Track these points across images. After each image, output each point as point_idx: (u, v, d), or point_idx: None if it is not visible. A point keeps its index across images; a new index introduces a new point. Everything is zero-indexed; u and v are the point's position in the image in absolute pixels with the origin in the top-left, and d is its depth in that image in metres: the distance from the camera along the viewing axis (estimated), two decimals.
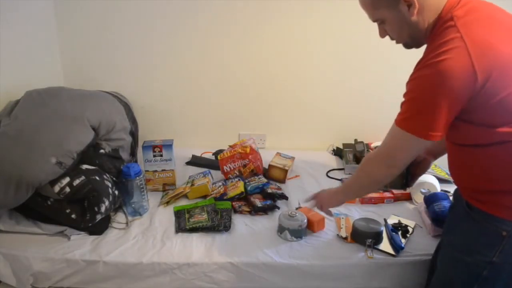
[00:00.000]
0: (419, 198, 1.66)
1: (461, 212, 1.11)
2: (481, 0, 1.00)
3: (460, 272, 1.09)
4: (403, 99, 1.01)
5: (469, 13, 0.95)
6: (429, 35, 1.00)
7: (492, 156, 0.99)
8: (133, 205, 1.54)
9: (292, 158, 1.95)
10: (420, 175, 1.38)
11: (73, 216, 1.39)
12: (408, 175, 1.36)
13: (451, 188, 1.57)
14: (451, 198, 1.54)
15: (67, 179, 1.38)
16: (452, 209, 1.24)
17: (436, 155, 1.37)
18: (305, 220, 1.45)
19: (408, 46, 1.09)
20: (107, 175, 1.51)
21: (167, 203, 1.64)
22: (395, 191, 1.72)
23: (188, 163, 2.01)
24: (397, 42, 1.09)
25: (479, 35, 0.91)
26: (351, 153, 2.02)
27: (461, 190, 1.15)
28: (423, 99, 0.95)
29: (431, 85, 0.92)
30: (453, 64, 0.89)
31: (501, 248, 1.00)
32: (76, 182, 1.38)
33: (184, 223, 1.47)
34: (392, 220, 1.54)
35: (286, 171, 1.84)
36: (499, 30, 0.96)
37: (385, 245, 1.41)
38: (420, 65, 0.96)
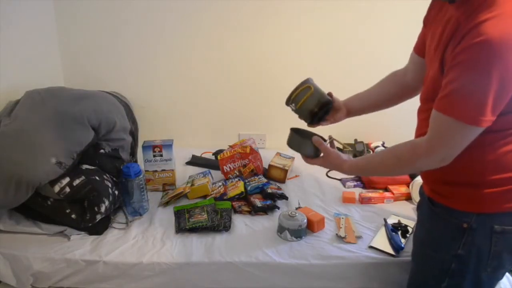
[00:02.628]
0: (419, 198, 1.66)
1: (425, 209, 1.13)
2: None
3: (430, 267, 1.11)
4: (448, 86, 0.89)
5: None
6: None
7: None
8: (133, 205, 1.54)
9: (292, 158, 1.94)
10: (328, 123, 1.36)
11: (73, 216, 1.39)
12: (321, 115, 1.28)
13: None
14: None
15: (67, 179, 1.38)
16: (420, 207, 1.25)
17: (351, 113, 1.36)
18: (305, 220, 1.45)
19: None
20: (107, 175, 1.51)
21: (167, 203, 1.64)
22: (395, 192, 1.72)
23: (188, 163, 2.02)
24: None
25: None
26: (351, 153, 2.02)
27: (424, 184, 1.17)
28: (479, 82, 0.84)
29: (489, 65, 0.82)
30: (507, 29, 0.81)
31: (464, 240, 1.02)
32: (76, 182, 1.38)
33: (184, 223, 1.47)
34: (392, 220, 1.54)
35: (286, 171, 1.84)
36: None
37: (385, 245, 1.41)
38: (470, 42, 0.84)
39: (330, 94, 1.36)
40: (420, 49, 1.18)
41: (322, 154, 1.23)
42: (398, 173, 1.17)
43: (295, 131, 1.28)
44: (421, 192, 1.22)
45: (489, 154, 0.97)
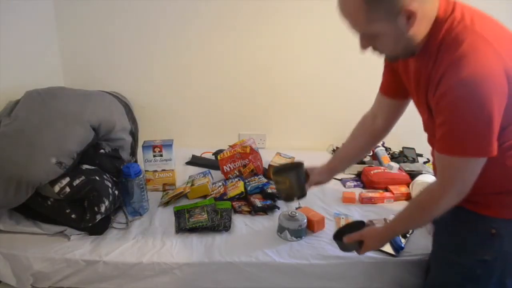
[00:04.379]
0: None
1: (450, 213, 1.10)
2: (467, 5, 0.96)
3: (453, 273, 1.10)
4: (441, 128, 0.92)
5: (473, 15, 0.90)
6: (431, 45, 0.93)
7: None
8: (133, 205, 1.54)
9: (292, 158, 1.94)
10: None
11: (73, 216, 1.39)
12: (303, 190, 1.35)
13: None
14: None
15: (67, 179, 1.38)
16: None
17: (336, 173, 1.43)
18: (305, 220, 1.45)
19: (395, 59, 1.02)
20: (107, 175, 1.51)
21: (167, 203, 1.64)
22: (395, 192, 1.72)
23: (188, 163, 2.02)
24: (386, 55, 0.99)
25: (495, 31, 0.88)
26: None
27: None
28: (475, 118, 0.86)
29: (476, 100, 0.84)
30: (485, 64, 0.83)
31: (491, 246, 1.01)
32: (76, 182, 1.38)
33: (184, 223, 1.47)
34: None
35: None
36: (504, 27, 0.94)
37: (385, 245, 1.40)
38: (448, 84, 0.86)
39: (307, 173, 1.37)
40: (387, 90, 1.22)
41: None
42: (428, 220, 1.19)
43: (337, 239, 1.30)
44: None
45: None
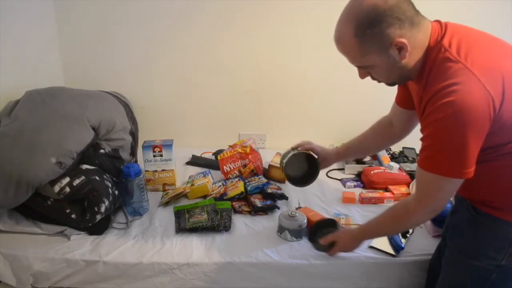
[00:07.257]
0: None
1: (466, 216, 1.10)
2: (460, 24, 0.98)
3: (468, 276, 1.09)
4: (423, 143, 0.97)
5: (460, 41, 0.93)
6: (423, 71, 0.97)
7: (499, 167, 0.98)
8: (133, 205, 1.54)
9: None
10: None
11: (73, 216, 1.39)
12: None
13: None
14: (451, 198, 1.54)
15: (67, 179, 1.38)
16: (455, 213, 1.21)
17: (341, 159, 1.58)
18: (305, 220, 1.45)
19: (393, 84, 1.08)
20: (107, 175, 1.51)
21: (167, 203, 1.64)
22: (395, 192, 1.72)
23: (188, 163, 2.02)
24: (383, 82, 1.05)
25: (481, 60, 0.90)
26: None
27: (465, 198, 1.13)
28: (451, 141, 0.90)
29: (456, 125, 0.88)
30: (470, 97, 0.86)
31: (509, 251, 1.01)
32: (76, 182, 1.38)
33: (184, 223, 1.47)
34: None
35: None
36: (494, 48, 0.96)
37: (385, 245, 1.40)
38: (433, 106, 0.90)
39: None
40: (401, 101, 1.26)
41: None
42: (398, 231, 1.33)
43: (312, 241, 1.42)
44: (459, 198, 1.19)
45: None
